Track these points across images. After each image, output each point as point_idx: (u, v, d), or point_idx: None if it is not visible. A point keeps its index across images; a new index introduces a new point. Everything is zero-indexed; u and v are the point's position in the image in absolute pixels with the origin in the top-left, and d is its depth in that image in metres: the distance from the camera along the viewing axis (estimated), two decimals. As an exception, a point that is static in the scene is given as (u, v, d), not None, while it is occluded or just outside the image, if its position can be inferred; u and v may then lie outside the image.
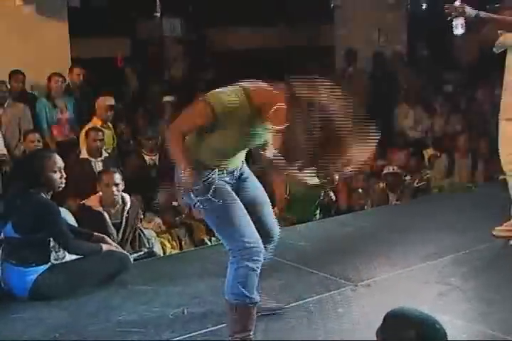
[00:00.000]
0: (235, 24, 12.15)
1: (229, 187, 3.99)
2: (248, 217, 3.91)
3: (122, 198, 6.00)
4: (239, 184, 4.12)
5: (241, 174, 4.13)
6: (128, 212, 6.00)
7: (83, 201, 6.05)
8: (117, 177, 5.92)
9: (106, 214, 5.88)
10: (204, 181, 3.87)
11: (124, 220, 5.97)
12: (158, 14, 11.30)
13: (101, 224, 5.80)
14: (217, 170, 3.93)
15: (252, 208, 4.05)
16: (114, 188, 5.89)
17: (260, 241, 3.88)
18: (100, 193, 5.96)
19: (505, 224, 5.65)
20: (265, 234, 4.08)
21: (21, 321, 4.58)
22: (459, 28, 4.93)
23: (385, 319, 2.84)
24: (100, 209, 5.90)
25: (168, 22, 11.74)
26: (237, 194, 4.03)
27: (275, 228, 4.26)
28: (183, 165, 3.75)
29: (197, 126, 3.82)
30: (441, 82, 11.83)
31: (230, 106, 3.69)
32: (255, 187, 4.21)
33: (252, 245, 3.82)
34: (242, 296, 3.85)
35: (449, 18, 4.93)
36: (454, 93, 11.63)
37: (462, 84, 11.75)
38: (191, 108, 3.82)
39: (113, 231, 5.85)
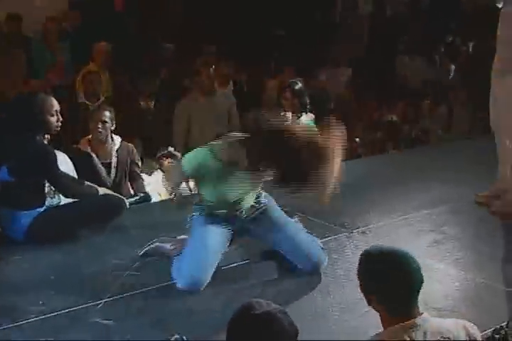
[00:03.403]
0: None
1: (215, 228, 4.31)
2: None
3: (112, 138, 5.95)
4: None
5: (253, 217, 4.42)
6: (117, 152, 5.95)
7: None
8: (106, 115, 5.80)
9: (94, 155, 5.83)
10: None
11: (114, 160, 5.94)
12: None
13: (89, 163, 5.78)
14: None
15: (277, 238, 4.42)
16: (100, 125, 5.81)
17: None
18: (90, 135, 5.90)
19: (488, 191, 5.60)
20: (302, 257, 4.37)
21: (18, 263, 4.61)
22: None
23: (359, 261, 2.88)
24: (88, 149, 5.84)
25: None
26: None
27: (313, 248, 4.43)
28: None
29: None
30: (443, 32, 11.68)
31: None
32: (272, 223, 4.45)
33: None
34: None
35: None
36: (455, 44, 11.51)
37: (465, 34, 11.59)
38: None
39: (102, 170, 5.82)
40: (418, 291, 2.78)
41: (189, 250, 4.26)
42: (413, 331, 2.72)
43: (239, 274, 4.39)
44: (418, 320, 2.75)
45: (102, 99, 7.63)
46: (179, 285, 4.15)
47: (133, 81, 8.74)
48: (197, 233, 4.30)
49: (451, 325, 2.84)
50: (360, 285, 2.87)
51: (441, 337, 2.74)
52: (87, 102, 7.48)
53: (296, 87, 6.86)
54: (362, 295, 2.87)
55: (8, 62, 8.22)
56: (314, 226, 5.10)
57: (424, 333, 2.73)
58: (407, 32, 11.41)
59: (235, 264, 4.49)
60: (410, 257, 2.82)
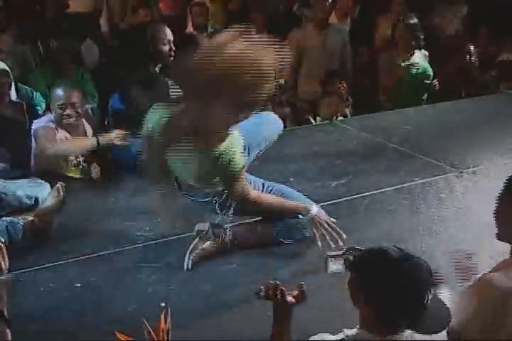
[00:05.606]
0: None
1: None
2: None
3: None
4: None
5: None
6: None
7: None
8: None
9: None
10: None
11: None
12: None
13: None
14: None
15: None
16: None
17: None
18: None
19: None
20: None
21: (126, 190, 4.67)
22: None
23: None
24: None
25: None
26: None
27: None
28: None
29: None
30: None
31: None
32: None
33: None
34: None
35: None
36: None
37: None
38: None
39: None
40: None
41: None
42: None
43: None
44: None
45: (211, 30, 7.57)
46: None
47: (244, 11, 8.63)
48: None
49: None
50: None
51: None
52: (194, 33, 7.43)
53: (411, 22, 6.67)
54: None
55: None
56: (423, 165, 5.05)
57: None
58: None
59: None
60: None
